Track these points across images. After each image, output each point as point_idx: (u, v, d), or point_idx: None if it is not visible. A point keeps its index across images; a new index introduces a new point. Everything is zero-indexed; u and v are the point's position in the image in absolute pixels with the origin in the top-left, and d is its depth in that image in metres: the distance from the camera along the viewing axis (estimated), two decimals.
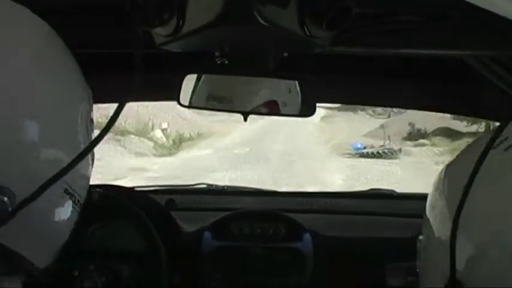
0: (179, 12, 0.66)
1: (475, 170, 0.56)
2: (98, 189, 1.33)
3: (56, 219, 0.67)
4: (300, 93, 0.94)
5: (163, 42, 0.73)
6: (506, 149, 0.60)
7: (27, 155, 0.59)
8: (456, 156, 0.76)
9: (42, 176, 0.54)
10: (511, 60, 0.90)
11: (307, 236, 1.42)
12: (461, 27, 0.80)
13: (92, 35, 0.91)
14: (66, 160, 0.56)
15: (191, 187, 1.83)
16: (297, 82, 0.93)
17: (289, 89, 0.96)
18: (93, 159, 0.77)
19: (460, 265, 0.59)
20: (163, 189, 1.76)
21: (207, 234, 1.43)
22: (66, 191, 0.65)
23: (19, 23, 0.63)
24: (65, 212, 0.67)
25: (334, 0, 0.63)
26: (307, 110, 0.94)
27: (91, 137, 0.74)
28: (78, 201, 0.69)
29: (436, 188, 0.74)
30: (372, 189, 1.84)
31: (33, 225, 0.62)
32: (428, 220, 0.73)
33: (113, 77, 1.08)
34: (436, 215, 0.71)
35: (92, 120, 0.74)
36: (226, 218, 1.46)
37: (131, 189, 1.53)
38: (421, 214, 0.79)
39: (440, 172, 0.76)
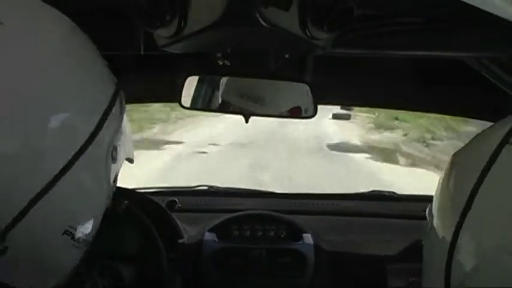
0: (181, 14, 0.66)
1: (484, 172, 0.53)
2: None
3: (56, 259, 0.65)
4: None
5: (165, 44, 0.74)
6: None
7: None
8: (464, 146, 0.73)
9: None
10: (510, 61, 0.90)
11: (308, 238, 1.43)
12: (462, 28, 0.80)
13: (93, 37, 0.91)
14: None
15: (192, 189, 1.83)
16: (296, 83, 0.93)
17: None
18: (110, 189, 0.72)
19: (466, 266, 0.57)
20: (165, 191, 1.76)
21: (208, 236, 1.43)
22: (67, 232, 0.62)
23: (45, 21, 0.63)
24: (65, 252, 0.65)
25: (335, 2, 0.64)
26: (308, 112, 0.94)
27: (110, 168, 0.69)
28: (84, 240, 0.66)
29: (442, 181, 0.72)
30: (372, 191, 1.84)
31: (30, 263, 0.61)
32: (432, 217, 0.72)
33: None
34: (440, 212, 0.69)
35: (115, 148, 0.68)
36: (227, 220, 1.46)
37: (132, 190, 1.53)
38: (421, 216, 0.78)
39: (448, 164, 0.73)
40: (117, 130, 0.69)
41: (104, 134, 0.64)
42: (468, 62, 0.99)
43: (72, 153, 0.58)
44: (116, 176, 0.74)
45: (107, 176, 0.68)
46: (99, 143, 0.63)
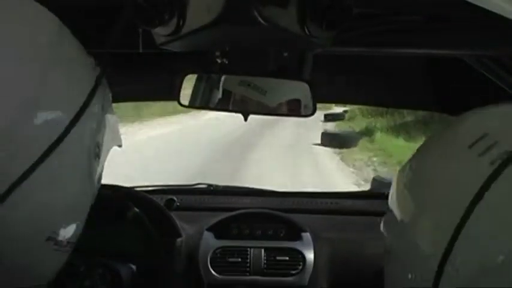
0: (179, 12, 0.66)
1: (477, 197, 0.49)
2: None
3: (41, 265, 0.64)
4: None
5: (164, 42, 0.73)
6: (480, 154, 0.54)
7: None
8: (419, 149, 0.72)
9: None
10: (511, 60, 0.90)
11: (307, 236, 1.42)
12: (461, 27, 0.80)
13: (92, 36, 0.91)
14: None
15: (191, 187, 1.83)
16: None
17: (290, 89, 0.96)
18: (94, 189, 0.71)
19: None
20: (163, 189, 1.76)
21: (206, 235, 1.43)
22: (50, 239, 0.61)
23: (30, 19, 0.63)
24: (49, 257, 0.64)
25: (334, 0, 0.64)
26: (307, 110, 0.94)
27: (96, 164, 0.68)
28: (68, 242, 0.65)
29: (400, 182, 0.71)
30: (371, 189, 1.84)
31: (14, 270, 0.60)
32: (393, 216, 0.71)
33: (112, 76, 1.08)
34: (400, 213, 0.69)
35: (98, 145, 0.67)
36: (226, 218, 1.46)
37: (131, 189, 1.52)
38: None
39: (404, 165, 0.73)
40: (99, 128, 0.68)
41: (83, 133, 0.63)
42: (468, 60, 0.99)
43: (47, 145, 0.55)
44: (100, 175, 0.73)
45: (91, 175, 0.67)
46: (78, 140, 0.61)
